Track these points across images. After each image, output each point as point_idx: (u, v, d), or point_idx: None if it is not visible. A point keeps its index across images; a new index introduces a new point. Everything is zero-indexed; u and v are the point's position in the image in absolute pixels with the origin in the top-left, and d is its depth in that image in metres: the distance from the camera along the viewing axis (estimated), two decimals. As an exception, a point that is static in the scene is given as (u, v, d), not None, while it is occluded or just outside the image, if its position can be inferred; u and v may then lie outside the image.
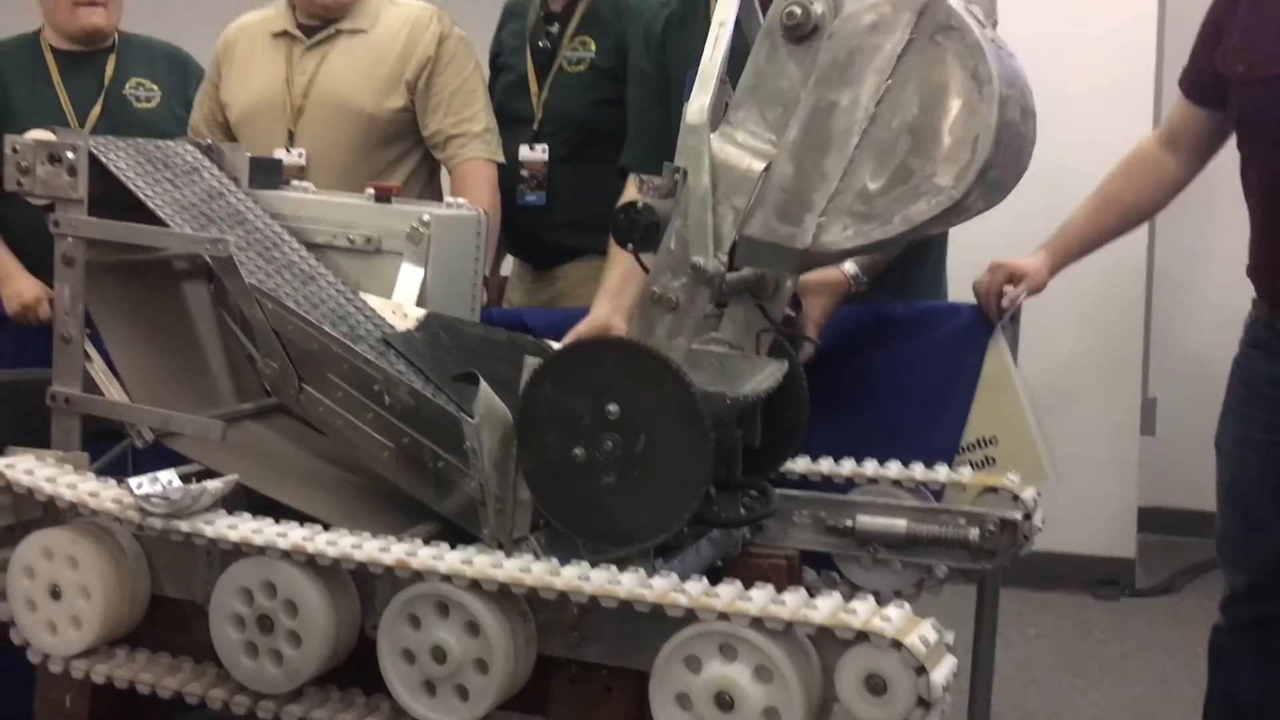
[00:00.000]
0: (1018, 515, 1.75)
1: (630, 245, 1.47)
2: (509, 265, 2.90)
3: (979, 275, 2.13)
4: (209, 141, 2.05)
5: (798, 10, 1.34)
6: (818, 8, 1.33)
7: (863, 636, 1.28)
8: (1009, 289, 2.06)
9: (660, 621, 1.34)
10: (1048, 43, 3.59)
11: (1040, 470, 1.98)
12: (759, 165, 1.34)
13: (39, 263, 2.40)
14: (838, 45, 1.31)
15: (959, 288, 2.28)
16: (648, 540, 1.43)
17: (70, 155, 1.72)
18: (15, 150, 1.73)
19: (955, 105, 1.27)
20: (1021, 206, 3.39)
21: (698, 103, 1.38)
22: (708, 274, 1.38)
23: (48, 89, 2.69)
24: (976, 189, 1.30)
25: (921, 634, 1.27)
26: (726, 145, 1.37)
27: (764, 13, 1.45)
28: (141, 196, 1.76)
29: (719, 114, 1.40)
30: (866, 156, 1.30)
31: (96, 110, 2.68)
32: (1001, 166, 1.35)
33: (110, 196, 1.77)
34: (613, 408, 1.41)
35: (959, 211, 1.33)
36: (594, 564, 1.41)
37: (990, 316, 2.07)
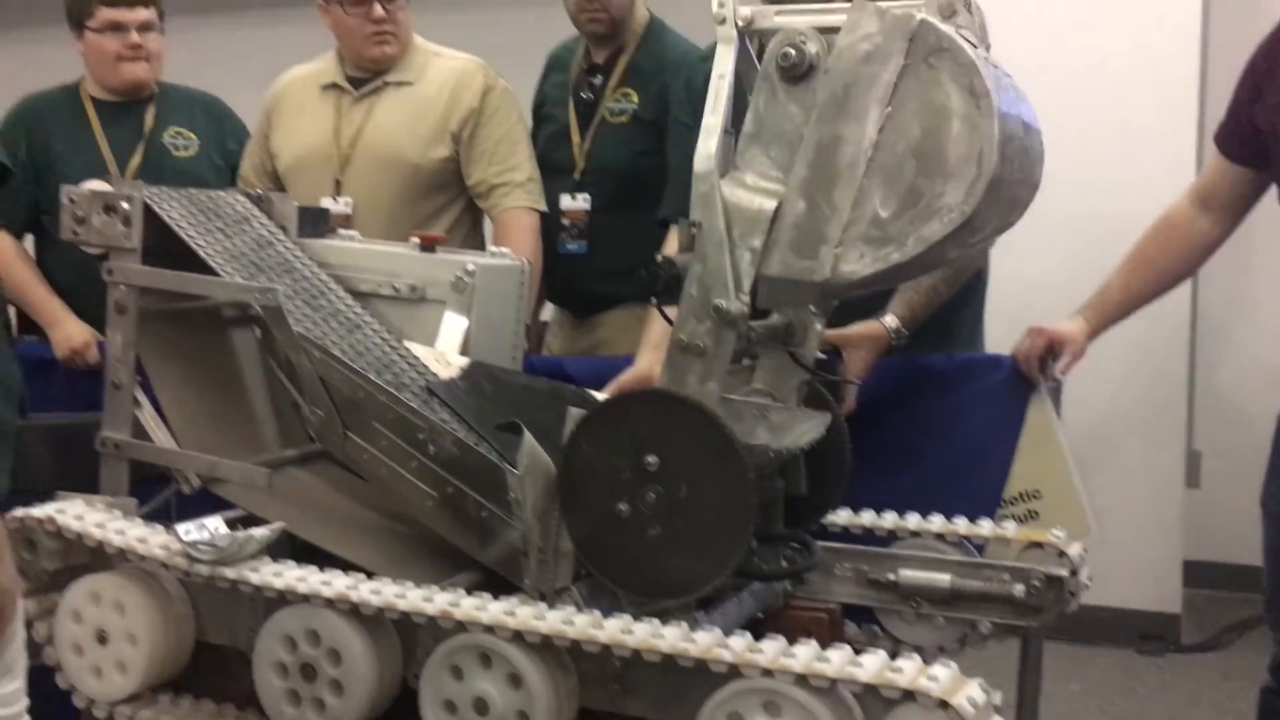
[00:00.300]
0: (1064, 572, 1.73)
1: (654, 300, 1.49)
2: (548, 311, 2.92)
3: (1018, 329, 2.12)
4: (259, 191, 2.08)
5: (792, 51, 1.36)
6: (811, 47, 1.36)
7: (909, 696, 1.26)
8: (1056, 360, 2.04)
9: (704, 676, 1.33)
10: (1088, 96, 3.60)
11: (1084, 525, 1.95)
12: (770, 205, 1.37)
13: (84, 309, 2.44)
14: (835, 80, 1.33)
15: (998, 340, 2.27)
16: (699, 589, 1.42)
17: (125, 206, 1.76)
18: (72, 200, 1.77)
19: (955, 123, 1.29)
20: (1061, 260, 3.43)
21: (704, 150, 1.41)
22: (731, 315, 1.40)
23: (88, 139, 2.75)
24: (987, 204, 1.31)
25: (969, 694, 1.25)
26: (736, 189, 1.39)
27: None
28: (194, 246, 1.79)
29: (727, 162, 1.43)
30: (875, 184, 1.31)
31: (137, 159, 2.74)
32: (1011, 181, 1.36)
33: (161, 245, 1.81)
34: (651, 459, 1.41)
35: (973, 229, 1.34)
36: (637, 617, 1.40)
37: (1031, 381, 2.05)
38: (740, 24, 1.45)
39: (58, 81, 2.89)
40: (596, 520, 1.44)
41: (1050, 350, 2.05)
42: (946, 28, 1.32)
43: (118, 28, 2.70)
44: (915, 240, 1.31)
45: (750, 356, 1.78)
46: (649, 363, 2.14)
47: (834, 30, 1.37)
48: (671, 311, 1.53)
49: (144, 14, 2.72)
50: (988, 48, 1.40)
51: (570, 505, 1.47)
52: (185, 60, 2.98)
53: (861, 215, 1.32)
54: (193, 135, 2.82)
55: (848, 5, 1.38)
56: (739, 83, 1.49)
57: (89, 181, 1.83)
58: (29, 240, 2.83)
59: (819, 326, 1.73)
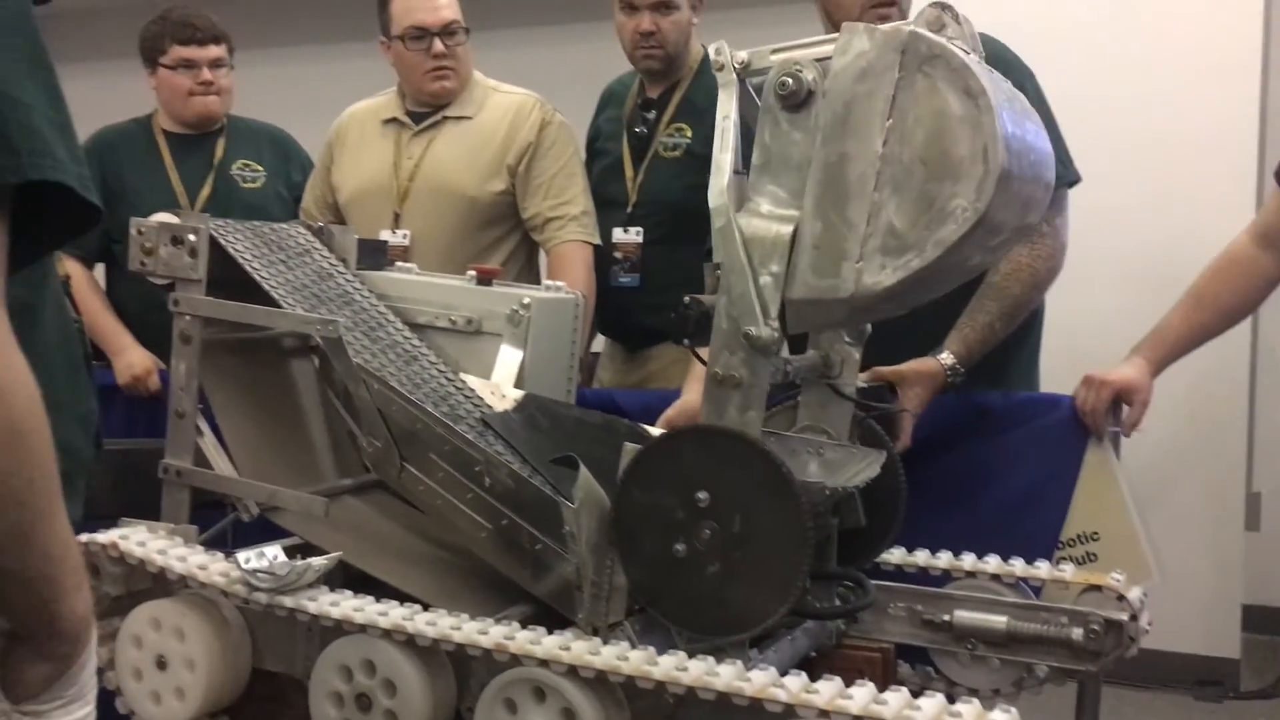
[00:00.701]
0: (1124, 615, 1.70)
1: (686, 341, 1.51)
2: (598, 343, 2.93)
3: (1074, 368, 2.10)
4: (320, 224, 2.12)
5: (790, 80, 1.38)
6: (808, 74, 1.38)
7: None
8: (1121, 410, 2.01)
9: (757, 715, 1.32)
10: (1145, 134, 3.57)
11: (1144, 568, 1.92)
12: (787, 230, 1.39)
13: (154, 338, 2.49)
14: (834, 101, 1.36)
15: (1054, 379, 2.25)
16: (759, 622, 1.42)
17: (192, 238, 1.79)
18: (140, 232, 1.81)
19: (957, 125, 1.31)
20: (1117, 298, 3.39)
21: (717, 186, 1.44)
22: (762, 342, 1.41)
23: (159, 171, 2.83)
24: (999, 201, 1.32)
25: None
26: (752, 219, 1.42)
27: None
28: (258, 278, 1.82)
29: (741, 198, 1.46)
30: (887, 196, 1.33)
31: (206, 191, 2.81)
32: (1022, 177, 1.38)
33: (225, 276, 1.84)
34: (702, 495, 1.42)
35: (989, 228, 1.35)
36: (691, 654, 1.40)
37: (1096, 434, 2.02)
38: (738, 67, 1.48)
39: (128, 113, 2.97)
40: (654, 562, 1.45)
41: (1116, 401, 2.02)
42: (936, 37, 1.35)
43: (189, 64, 2.78)
44: (934, 244, 1.32)
45: (793, 393, 1.78)
46: (696, 395, 2.14)
47: (828, 59, 1.40)
48: (704, 352, 1.54)
49: (215, 51, 2.80)
50: (981, 56, 1.42)
51: (627, 549, 1.47)
52: (251, 93, 3.05)
53: (877, 228, 1.34)
54: (260, 168, 2.89)
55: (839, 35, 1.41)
56: (744, 124, 1.52)
57: (157, 214, 1.86)
58: (100, 269, 2.90)
59: (856, 355, 1.73)
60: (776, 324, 1.40)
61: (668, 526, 1.43)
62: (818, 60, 1.40)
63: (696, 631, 1.46)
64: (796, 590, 1.40)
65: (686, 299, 1.51)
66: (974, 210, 1.30)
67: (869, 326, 1.79)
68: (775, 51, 1.45)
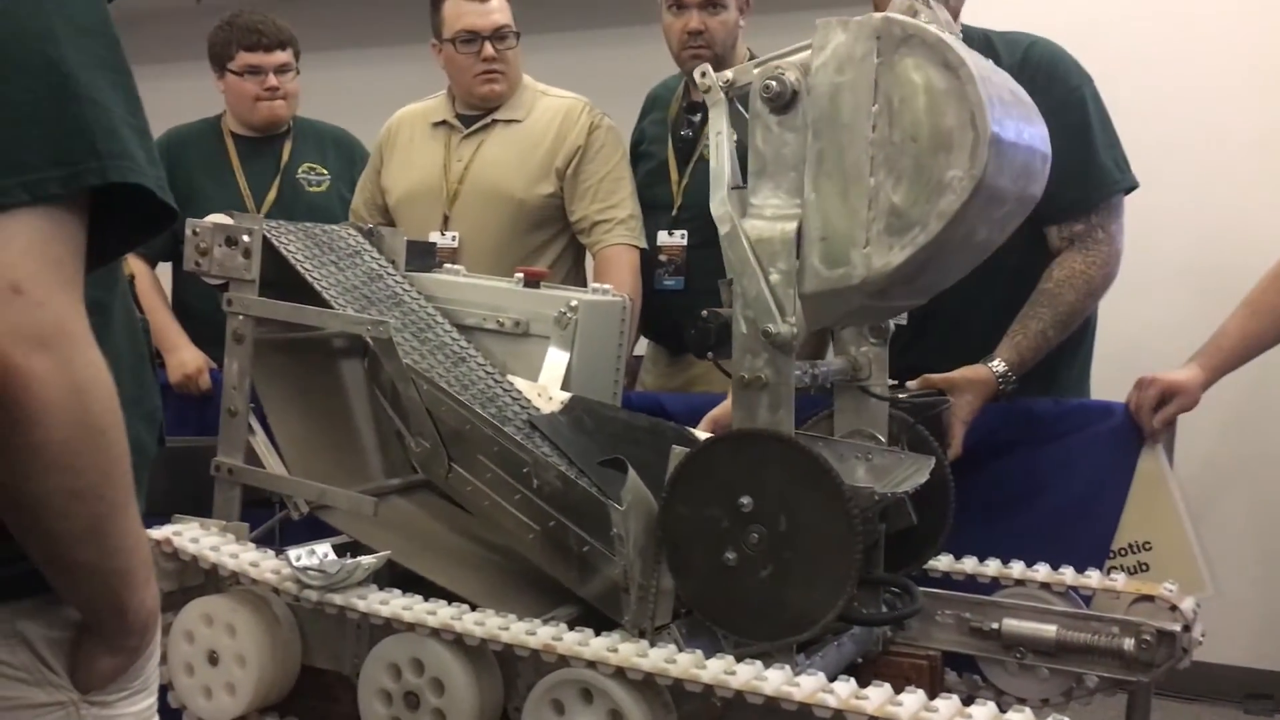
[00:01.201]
0: (1176, 626, 1.68)
1: (710, 354, 1.53)
2: (641, 346, 2.93)
3: (1127, 378, 2.07)
4: (370, 226, 2.13)
5: (774, 83, 1.41)
6: (790, 75, 1.41)
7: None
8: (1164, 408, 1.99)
9: (808, 721, 1.32)
10: (1200, 141, 3.52)
11: (1198, 580, 1.89)
12: (792, 227, 1.41)
13: (217, 336, 2.53)
14: (819, 96, 1.39)
15: (1106, 389, 2.23)
16: (812, 625, 1.41)
17: (246, 239, 1.81)
18: (195, 233, 1.84)
19: (942, 98, 1.33)
20: (1171, 307, 3.34)
21: (717, 197, 1.48)
22: (783, 338, 1.42)
23: (228, 173, 2.87)
24: (995, 168, 1.35)
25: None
26: (756, 222, 1.44)
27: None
28: (309, 279, 1.84)
29: (743, 205, 1.48)
30: (884, 178, 1.35)
31: (272, 194, 2.85)
32: (1016, 144, 1.41)
33: (277, 277, 1.86)
34: (749, 499, 1.41)
35: (989, 195, 1.36)
36: (738, 658, 1.40)
37: (1145, 433, 2.00)
38: (723, 85, 1.51)
39: (197, 113, 3.02)
40: (701, 565, 1.45)
41: (1162, 400, 1.99)
42: (909, 19, 1.38)
43: (256, 70, 2.81)
44: (936, 217, 1.34)
45: (829, 404, 1.78)
46: None
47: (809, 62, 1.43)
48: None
49: (281, 57, 2.83)
50: (958, 37, 1.43)
51: (673, 552, 1.47)
52: (306, 96, 3.08)
53: (879, 210, 1.36)
54: (325, 171, 2.92)
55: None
56: (739, 143, 1.54)
57: (213, 215, 1.89)
58: (164, 268, 2.94)
59: (883, 355, 1.72)
60: (794, 320, 1.42)
61: (715, 530, 1.43)
62: (799, 63, 1.42)
63: (743, 636, 1.46)
64: (844, 595, 1.39)
65: (705, 312, 1.53)
66: (970, 178, 1.32)
67: (891, 325, 1.78)
68: (758, 65, 1.47)
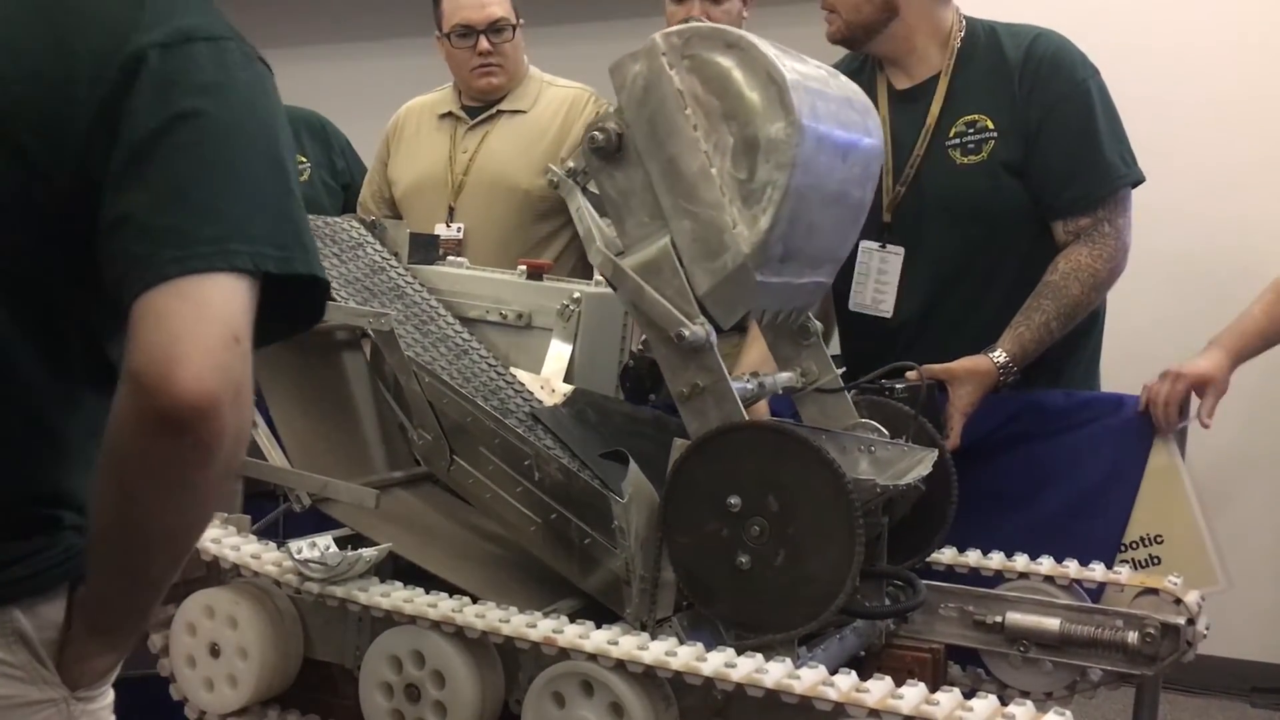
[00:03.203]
0: (1181, 620, 1.67)
1: (651, 397, 1.61)
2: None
3: (1136, 371, 2.06)
4: (372, 218, 2.13)
5: (598, 134, 1.50)
6: (609, 124, 1.50)
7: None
8: (1195, 403, 1.96)
9: (806, 714, 1.31)
10: (1209, 132, 3.50)
11: (1210, 574, 1.88)
12: (664, 241, 1.49)
13: None
14: (639, 126, 1.48)
15: (1115, 382, 2.21)
16: (814, 618, 1.41)
17: (247, 231, 1.80)
18: (197, 225, 1.83)
19: (736, 72, 1.44)
20: (1180, 300, 3.32)
21: (592, 250, 1.55)
22: (698, 338, 1.46)
23: None
24: (812, 111, 1.45)
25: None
26: (634, 256, 1.51)
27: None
28: (311, 271, 1.84)
29: (616, 248, 1.57)
30: (722, 162, 1.45)
31: None
32: (824, 94, 1.51)
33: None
34: (751, 492, 1.41)
35: (819, 138, 1.46)
36: (740, 651, 1.39)
37: (1161, 427, 1.97)
38: (569, 176, 1.59)
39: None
40: (702, 558, 1.45)
41: (1190, 395, 1.97)
42: (680, 26, 1.50)
43: None
44: (778, 169, 1.42)
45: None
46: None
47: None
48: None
49: None
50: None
51: (675, 545, 1.47)
52: (307, 90, 3.07)
53: (731, 192, 1.45)
54: (304, 159, 2.91)
55: None
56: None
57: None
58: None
59: (824, 354, 1.73)
60: (702, 321, 1.47)
61: (716, 523, 1.42)
62: (612, 112, 1.51)
63: (745, 629, 1.45)
64: (847, 589, 1.39)
65: (629, 361, 1.62)
66: (790, 123, 1.41)
67: (819, 324, 1.77)
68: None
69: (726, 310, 1.49)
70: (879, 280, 2.16)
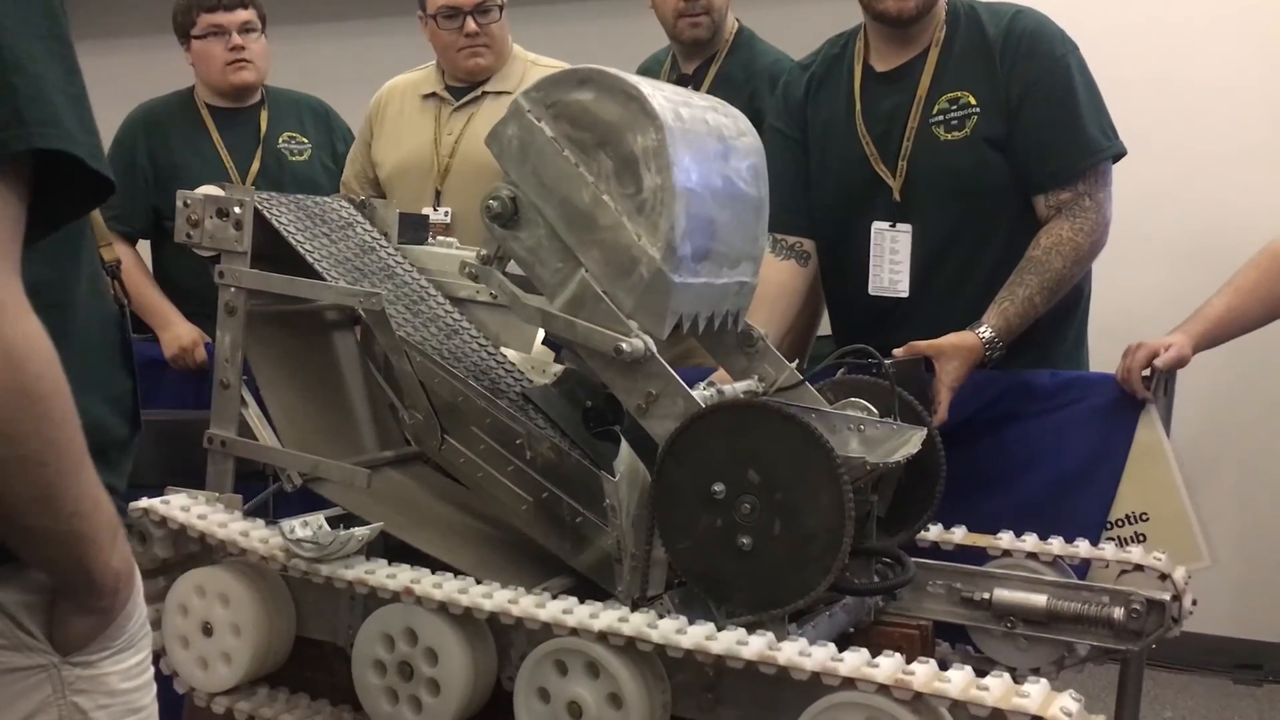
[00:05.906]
0: (1166, 596, 1.69)
1: (620, 424, 1.64)
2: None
3: (1119, 346, 2.07)
4: (363, 198, 2.13)
5: (494, 203, 1.56)
6: (504, 190, 1.55)
7: (999, 715, 1.24)
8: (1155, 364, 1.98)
9: (798, 689, 1.32)
10: (1196, 114, 3.51)
11: (1195, 550, 1.90)
12: (581, 273, 1.54)
13: (207, 311, 2.53)
14: (526, 184, 1.55)
15: (1104, 361, 2.23)
16: (803, 595, 1.42)
17: (237, 210, 1.81)
18: (186, 204, 1.83)
19: (596, 102, 1.50)
20: (1168, 279, 3.34)
21: (520, 305, 1.60)
22: (637, 349, 1.50)
23: (208, 146, 2.84)
24: (675, 112, 1.51)
25: (1062, 705, 1.24)
26: (559, 299, 1.55)
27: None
28: (301, 251, 1.84)
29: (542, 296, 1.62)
30: (611, 187, 1.50)
31: (255, 165, 2.82)
32: (689, 101, 1.59)
33: (269, 249, 1.86)
34: (741, 470, 1.42)
35: (688, 131, 1.52)
36: (721, 626, 1.40)
37: (1137, 395, 1.99)
38: (482, 262, 1.64)
39: (164, 88, 2.99)
40: (693, 536, 1.45)
41: (1165, 380, 1.98)
42: (533, 82, 1.58)
43: (219, 31, 2.78)
44: (661, 172, 1.47)
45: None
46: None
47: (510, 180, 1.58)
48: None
49: (243, 15, 2.80)
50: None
51: (666, 523, 1.48)
52: (292, 69, 3.06)
53: (627, 209, 1.50)
54: (305, 140, 2.90)
55: None
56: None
57: (204, 186, 1.88)
58: (145, 245, 2.93)
59: (778, 357, 1.74)
60: (638, 334, 1.51)
61: (707, 501, 1.43)
62: (502, 182, 1.57)
63: (735, 606, 1.46)
64: (836, 566, 1.40)
65: (588, 404, 1.68)
66: (657, 128, 1.47)
67: (760, 330, 1.77)
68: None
69: (656, 320, 1.52)
70: (892, 261, 2.17)
